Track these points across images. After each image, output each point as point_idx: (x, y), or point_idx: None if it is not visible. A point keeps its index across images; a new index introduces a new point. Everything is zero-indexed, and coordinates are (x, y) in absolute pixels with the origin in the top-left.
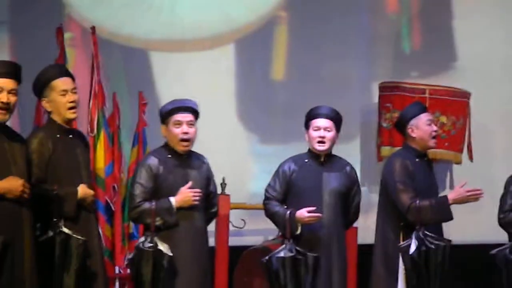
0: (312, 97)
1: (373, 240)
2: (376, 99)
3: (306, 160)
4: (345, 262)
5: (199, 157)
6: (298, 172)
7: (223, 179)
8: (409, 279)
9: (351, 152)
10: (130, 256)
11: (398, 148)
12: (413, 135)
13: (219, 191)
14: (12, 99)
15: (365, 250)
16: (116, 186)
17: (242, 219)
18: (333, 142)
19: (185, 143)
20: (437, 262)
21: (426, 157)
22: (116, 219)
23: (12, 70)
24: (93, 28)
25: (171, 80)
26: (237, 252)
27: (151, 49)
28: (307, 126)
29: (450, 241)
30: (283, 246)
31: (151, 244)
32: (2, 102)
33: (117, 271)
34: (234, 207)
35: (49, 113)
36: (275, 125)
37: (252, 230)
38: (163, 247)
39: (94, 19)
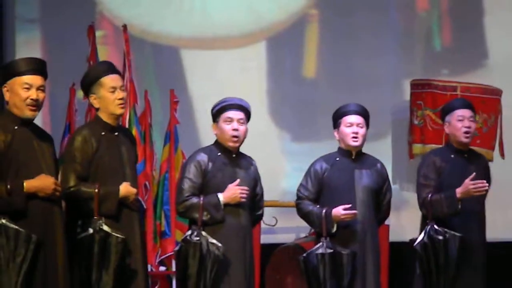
0: (343, 95)
1: (405, 238)
2: (407, 97)
3: (337, 159)
4: (379, 258)
5: (248, 159)
6: (330, 171)
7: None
8: (419, 271)
9: (382, 149)
10: (176, 248)
11: (430, 145)
12: (447, 131)
13: None
14: (41, 95)
15: (397, 247)
16: (147, 184)
17: (274, 217)
18: (365, 138)
19: (235, 139)
20: (446, 256)
21: (466, 153)
22: (148, 217)
23: (39, 67)
24: (124, 26)
25: (202, 78)
26: (269, 249)
27: (183, 47)
28: (337, 124)
29: (461, 236)
30: (320, 244)
31: (198, 238)
32: (31, 99)
33: (149, 269)
34: (266, 205)
35: (96, 110)
36: (307, 123)
37: (283, 227)
38: (213, 240)
39: (126, 17)
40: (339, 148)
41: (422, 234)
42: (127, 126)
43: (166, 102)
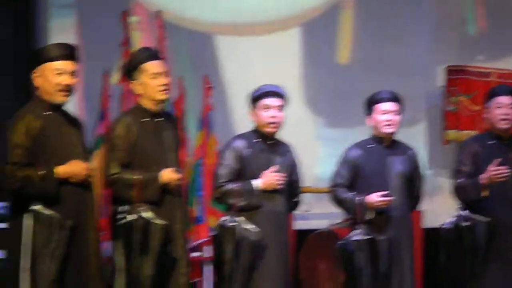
0: (377, 81)
1: (438, 224)
2: (441, 83)
3: (371, 145)
4: (413, 244)
5: (285, 145)
6: (364, 158)
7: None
8: (442, 256)
9: (416, 136)
10: (212, 233)
11: (464, 131)
12: (486, 117)
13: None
14: (73, 81)
15: (430, 234)
16: (181, 170)
17: (308, 203)
18: (399, 125)
19: (273, 125)
20: (473, 241)
21: (507, 139)
22: None
23: (71, 52)
24: (159, 11)
25: (237, 64)
26: (302, 235)
27: (217, 33)
28: (370, 110)
29: (489, 220)
30: (356, 230)
31: (234, 223)
32: (64, 84)
33: None
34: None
35: (139, 95)
36: (341, 109)
37: (317, 213)
38: (248, 226)
39: (160, 3)
40: (372, 134)
41: (450, 220)
42: None
43: (200, 88)
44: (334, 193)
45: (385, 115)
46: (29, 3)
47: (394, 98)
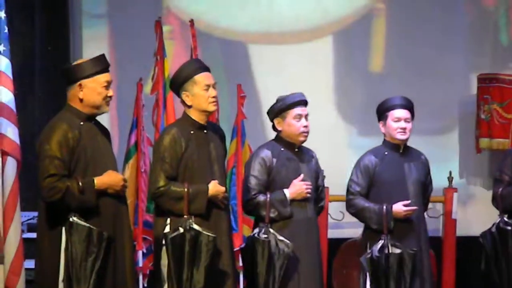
0: (410, 89)
1: (472, 232)
2: (474, 91)
3: (386, 153)
4: (429, 251)
5: (309, 152)
6: (381, 165)
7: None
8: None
9: (449, 144)
10: (243, 246)
11: (497, 139)
12: None
13: None
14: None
15: (463, 242)
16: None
17: (341, 211)
18: (411, 132)
19: (305, 134)
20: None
21: None
22: None
23: (108, 64)
24: (191, 21)
25: (269, 73)
26: (335, 244)
27: (249, 42)
28: (383, 117)
29: None
30: (381, 241)
31: (267, 235)
32: (109, 97)
33: None
34: (333, 199)
35: (189, 107)
36: (374, 117)
37: (350, 222)
38: (281, 237)
39: (193, 12)
40: (386, 142)
41: (492, 226)
42: None
43: (233, 97)
44: (352, 201)
45: (398, 122)
46: (62, 13)
47: (407, 105)
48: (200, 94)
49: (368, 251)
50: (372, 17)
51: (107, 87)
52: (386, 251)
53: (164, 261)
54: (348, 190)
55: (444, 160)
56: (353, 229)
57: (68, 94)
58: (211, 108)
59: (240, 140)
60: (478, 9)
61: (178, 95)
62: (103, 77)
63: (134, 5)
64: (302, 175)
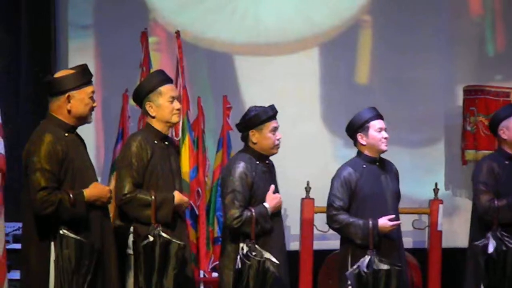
0: (396, 101)
1: (458, 244)
2: (460, 103)
3: (364, 166)
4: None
5: (271, 162)
6: (361, 179)
7: (308, 183)
8: (483, 278)
9: (435, 155)
10: (238, 266)
11: (483, 151)
12: (504, 136)
13: (303, 195)
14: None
15: (449, 254)
16: (200, 190)
17: (327, 223)
18: None
19: (278, 147)
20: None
21: None
22: (200, 223)
23: (92, 75)
24: (177, 32)
25: (256, 84)
26: (321, 255)
27: (236, 53)
28: (363, 129)
29: None
30: (367, 257)
31: (255, 253)
32: (94, 107)
33: (201, 275)
34: (318, 210)
35: (152, 117)
36: None
37: (336, 234)
38: (267, 255)
39: (179, 24)
40: (363, 155)
41: (492, 240)
42: (180, 132)
43: (219, 108)
44: (335, 217)
45: (382, 132)
46: (48, 24)
47: (381, 115)
48: (165, 105)
49: (354, 266)
50: (358, 29)
51: (92, 98)
52: (374, 267)
53: (131, 269)
54: (330, 205)
55: (430, 171)
56: (338, 241)
57: (52, 105)
58: (175, 119)
59: (226, 152)
60: (464, 21)
61: (141, 105)
62: (89, 89)
63: (120, 16)
64: (273, 187)
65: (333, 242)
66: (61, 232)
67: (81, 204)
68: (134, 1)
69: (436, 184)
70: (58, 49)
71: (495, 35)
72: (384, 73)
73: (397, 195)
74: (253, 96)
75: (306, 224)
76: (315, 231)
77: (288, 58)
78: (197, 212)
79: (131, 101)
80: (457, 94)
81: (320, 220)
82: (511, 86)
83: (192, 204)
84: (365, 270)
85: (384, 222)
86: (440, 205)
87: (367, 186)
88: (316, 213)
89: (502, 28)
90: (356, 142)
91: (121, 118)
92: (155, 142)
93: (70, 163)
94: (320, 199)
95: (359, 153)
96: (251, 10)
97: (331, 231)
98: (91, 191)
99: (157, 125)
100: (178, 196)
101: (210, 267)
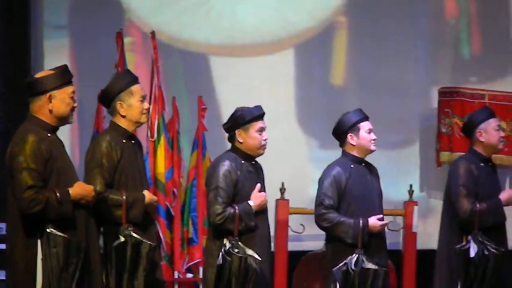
0: (371, 102)
1: (432, 246)
2: (435, 104)
3: (352, 166)
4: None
5: (258, 164)
6: (350, 179)
7: (282, 184)
8: (465, 283)
9: (410, 157)
10: (219, 262)
11: (458, 153)
12: (482, 139)
13: (278, 196)
14: None
15: (424, 256)
16: (175, 191)
17: (301, 224)
18: None
19: (265, 148)
20: (495, 268)
21: (491, 162)
22: (175, 224)
23: (72, 76)
24: (153, 32)
25: (231, 85)
26: (296, 256)
27: (211, 54)
28: (354, 129)
29: (504, 250)
30: (355, 256)
31: (238, 250)
32: (75, 107)
33: (176, 276)
34: (293, 212)
35: (122, 116)
36: None
37: (311, 235)
38: (250, 252)
39: (154, 24)
40: (350, 155)
41: (473, 244)
42: (155, 133)
43: (194, 109)
44: (326, 215)
45: (371, 133)
46: (23, 24)
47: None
48: (136, 105)
49: (341, 263)
50: (334, 30)
51: (73, 98)
52: (363, 266)
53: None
54: (320, 204)
55: (405, 173)
56: (313, 242)
57: (33, 106)
58: (143, 119)
59: (201, 153)
60: (439, 22)
61: (109, 104)
62: (70, 88)
63: (96, 16)
64: (259, 185)
65: (307, 243)
66: (48, 230)
67: (68, 202)
68: (110, 1)
69: (411, 186)
70: (33, 49)
71: (470, 37)
72: (359, 74)
73: (381, 195)
74: (228, 96)
75: (281, 225)
76: (290, 232)
77: (264, 59)
78: (172, 213)
79: None
80: (432, 95)
81: (294, 221)
82: (486, 88)
83: (168, 204)
84: (353, 268)
85: (374, 221)
86: (415, 207)
87: (355, 185)
88: (290, 214)
89: (478, 30)
90: (343, 143)
91: (96, 118)
92: (123, 141)
93: (54, 163)
94: (295, 200)
95: (346, 154)
96: (226, 11)
97: (305, 232)
98: (76, 190)
99: (125, 124)
100: (148, 196)
101: (185, 268)
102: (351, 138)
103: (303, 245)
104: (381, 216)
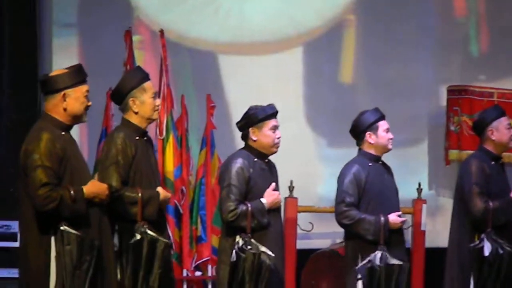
0: (380, 100)
1: (441, 244)
2: (444, 103)
3: (370, 164)
4: None
5: (272, 162)
6: (370, 177)
7: (291, 182)
8: (478, 281)
9: (419, 155)
10: (233, 259)
11: (466, 151)
12: (493, 137)
13: (286, 194)
14: None
15: (432, 254)
16: (184, 189)
17: (310, 222)
18: None
19: (278, 146)
20: (509, 266)
21: (500, 160)
22: (184, 222)
23: (87, 75)
24: (161, 31)
25: (239, 83)
26: (304, 255)
27: (219, 52)
28: (373, 128)
29: None
30: (379, 252)
31: (250, 247)
32: (89, 106)
33: (184, 274)
34: (301, 210)
35: (135, 113)
36: (343, 128)
37: (319, 233)
38: (263, 248)
39: (163, 22)
40: (367, 153)
41: (487, 243)
42: (164, 131)
43: (202, 107)
44: (347, 212)
45: (388, 132)
46: (31, 22)
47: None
48: (149, 102)
49: (365, 261)
50: (342, 29)
51: (87, 97)
52: (388, 261)
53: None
54: (342, 201)
55: (413, 171)
56: (321, 240)
57: (47, 104)
58: (155, 116)
59: (210, 151)
60: (448, 21)
61: (121, 101)
62: (84, 87)
63: (104, 14)
64: (274, 184)
65: (316, 241)
66: (62, 228)
67: (82, 200)
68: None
69: (419, 184)
70: (42, 48)
71: (479, 35)
72: (368, 72)
73: (398, 193)
74: (236, 95)
75: (290, 224)
76: (299, 231)
77: (272, 57)
78: (181, 211)
79: None
80: (441, 94)
81: (303, 220)
82: (495, 86)
83: (177, 202)
84: (379, 264)
85: (394, 218)
86: (424, 205)
87: (375, 183)
88: (299, 212)
89: (486, 29)
90: (361, 142)
91: (104, 116)
92: (137, 138)
93: (68, 162)
94: (303, 198)
95: (363, 152)
96: (235, 9)
97: (314, 230)
98: (90, 188)
99: (137, 121)
100: (163, 192)
101: (193, 266)
102: (369, 137)
103: (312, 243)
104: (400, 212)
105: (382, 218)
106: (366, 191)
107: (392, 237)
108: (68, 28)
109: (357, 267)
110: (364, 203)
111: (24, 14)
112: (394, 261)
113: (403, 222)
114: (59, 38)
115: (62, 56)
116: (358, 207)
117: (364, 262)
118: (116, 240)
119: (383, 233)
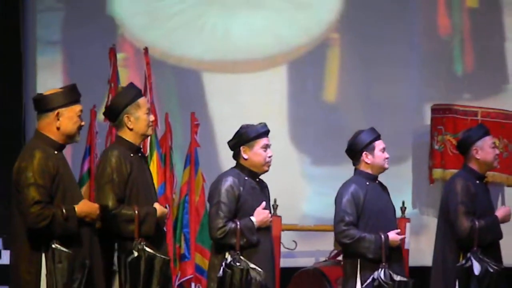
0: (364, 119)
1: (425, 262)
2: (428, 121)
3: (367, 183)
4: None
5: (263, 181)
6: (368, 196)
7: (275, 200)
8: None
9: (403, 173)
10: (220, 274)
11: (450, 170)
12: (477, 156)
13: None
14: None
15: (416, 272)
16: (168, 207)
17: (294, 241)
18: None
19: (269, 165)
20: (497, 286)
21: (485, 179)
22: (167, 240)
23: (80, 95)
24: (145, 48)
25: (223, 101)
26: (288, 273)
27: (204, 70)
28: (369, 148)
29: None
30: (381, 271)
31: (239, 263)
32: (82, 126)
33: None
34: (285, 228)
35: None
36: (327, 146)
37: (303, 251)
38: (252, 265)
39: (147, 40)
40: (364, 172)
41: (475, 262)
42: (148, 148)
43: (186, 125)
44: (347, 232)
45: (384, 152)
46: (16, 40)
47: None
48: (143, 118)
49: (369, 279)
50: (327, 47)
51: (80, 116)
52: (393, 278)
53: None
54: (341, 221)
55: (397, 190)
56: (305, 258)
57: (40, 123)
58: (150, 131)
59: (193, 168)
60: (432, 39)
61: (115, 118)
62: (78, 107)
63: (89, 32)
64: (264, 203)
65: (300, 260)
66: (53, 246)
67: (73, 219)
68: (102, 17)
69: (403, 203)
70: (26, 65)
71: (463, 54)
72: (352, 91)
73: (395, 211)
74: (221, 113)
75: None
76: (282, 249)
77: (257, 75)
78: (164, 229)
79: (99, 117)
80: (426, 112)
81: (287, 238)
82: (479, 105)
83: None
84: (385, 280)
85: (394, 236)
86: (407, 224)
87: (373, 202)
88: (283, 230)
89: (471, 47)
90: (357, 161)
91: (88, 134)
92: (131, 155)
93: (61, 180)
94: (287, 216)
95: (360, 172)
96: (219, 27)
97: (298, 249)
98: (81, 208)
99: (132, 137)
100: (159, 209)
101: (177, 284)
102: (366, 157)
103: (295, 262)
104: (399, 230)
105: (383, 236)
106: (365, 210)
107: (392, 255)
108: (52, 46)
109: (363, 286)
110: (362, 221)
111: (8, 31)
112: (399, 278)
113: (402, 240)
114: (43, 56)
115: (46, 74)
116: (357, 226)
117: (369, 280)
118: (115, 259)
119: (385, 251)
